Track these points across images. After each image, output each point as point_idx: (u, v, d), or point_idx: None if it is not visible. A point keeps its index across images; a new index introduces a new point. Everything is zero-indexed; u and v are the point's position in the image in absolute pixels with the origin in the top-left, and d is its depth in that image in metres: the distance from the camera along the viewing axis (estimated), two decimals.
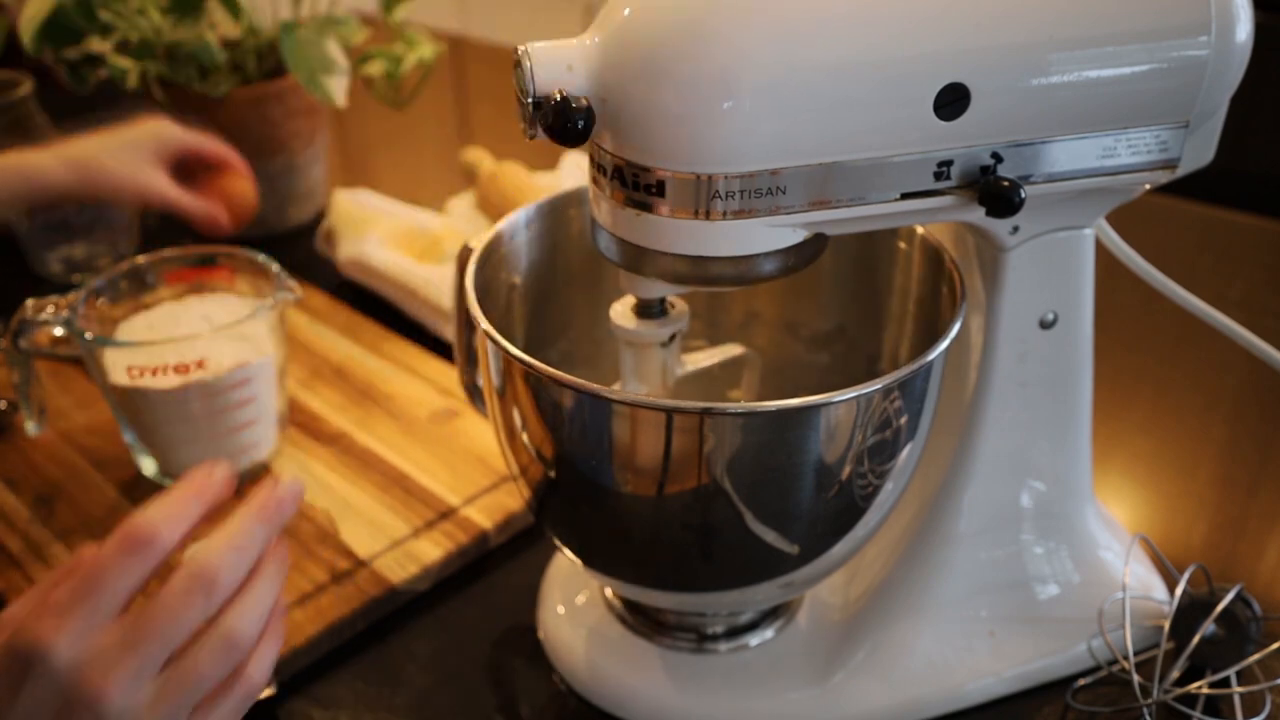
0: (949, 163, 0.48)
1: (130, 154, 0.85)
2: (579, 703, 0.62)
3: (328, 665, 0.65)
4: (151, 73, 0.97)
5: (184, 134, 0.89)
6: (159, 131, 0.88)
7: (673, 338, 0.56)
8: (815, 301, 0.67)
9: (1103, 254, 0.58)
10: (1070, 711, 0.61)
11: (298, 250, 1.08)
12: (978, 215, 0.49)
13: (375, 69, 1.05)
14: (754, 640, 0.63)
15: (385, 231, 0.99)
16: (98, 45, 0.96)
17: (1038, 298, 0.56)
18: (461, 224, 1.04)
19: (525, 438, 0.54)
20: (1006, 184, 0.47)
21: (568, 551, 0.59)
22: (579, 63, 0.46)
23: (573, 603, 0.66)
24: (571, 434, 0.51)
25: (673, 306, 0.56)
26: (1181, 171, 0.51)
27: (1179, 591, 0.60)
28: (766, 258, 0.48)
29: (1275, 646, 0.60)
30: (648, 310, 0.55)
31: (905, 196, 0.48)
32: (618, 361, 0.57)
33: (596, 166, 0.49)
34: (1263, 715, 0.59)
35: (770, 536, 0.52)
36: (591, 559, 0.58)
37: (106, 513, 0.73)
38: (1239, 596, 0.60)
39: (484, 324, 0.52)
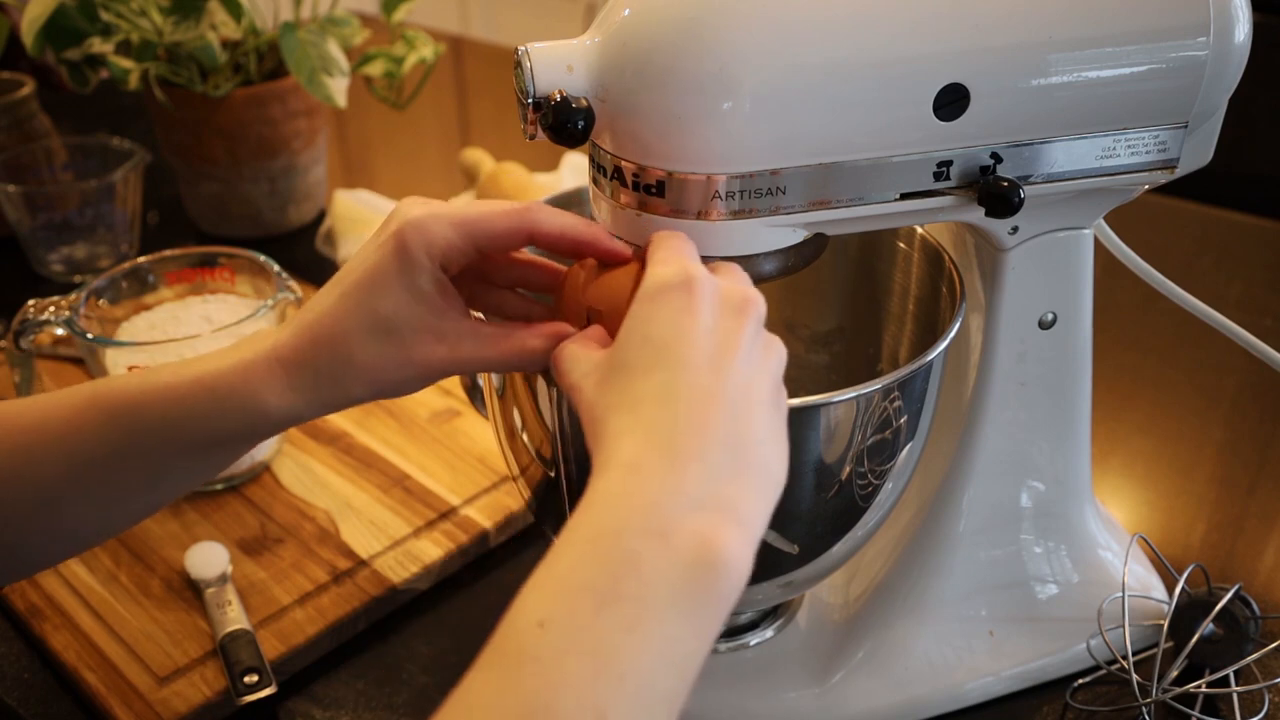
0: (948, 163, 0.48)
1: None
2: None
3: (328, 664, 0.65)
4: (153, 73, 0.97)
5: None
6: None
7: None
8: (815, 301, 0.67)
9: (1102, 254, 0.58)
10: (1069, 710, 0.62)
11: (298, 250, 1.08)
12: (977, 215, 0.49)
13: (375, 69, 1.06)
14: (754, 640, 0.63)
15: None
16: (99, 46, 0.96)
17: (1037, 298, 0.56)
18: None
19: (525, 438, 0.54)
20: (1006, 184, 0.47)
21: None
22: (579, 63, 0.46)
23: None
24: (571, 434, 0.51)
25: None
26: (1180, 172, 0.51)
27: (1177, 591, 0.60)
28: (766, 258, 0.48)
29: (1273, 646, 0.60)
30: None
31: (905, 196, 0.48)
32: None
33: (596, 166, 0.49)
34: (1261, 714, 0.59)
35: (770, 536, 0.52)
36: None
37: None
38: (1237, 596, 0.60)
39: None
